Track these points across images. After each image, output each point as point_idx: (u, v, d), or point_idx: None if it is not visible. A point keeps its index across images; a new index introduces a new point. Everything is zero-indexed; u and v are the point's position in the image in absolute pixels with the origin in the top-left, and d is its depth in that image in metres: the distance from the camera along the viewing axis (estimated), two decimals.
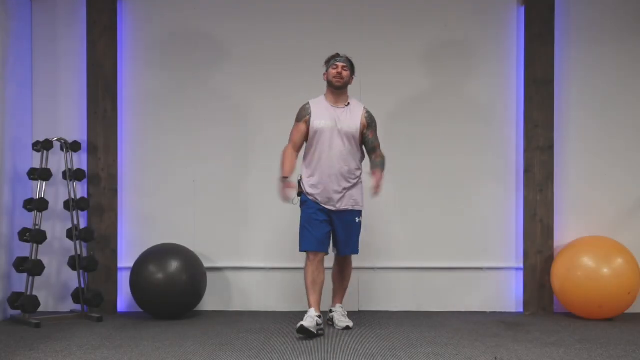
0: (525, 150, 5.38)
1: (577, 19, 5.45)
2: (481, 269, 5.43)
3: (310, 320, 4.37)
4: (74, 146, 5.25)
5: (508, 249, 5.45)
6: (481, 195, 5.45)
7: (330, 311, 4.81)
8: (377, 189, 4.51)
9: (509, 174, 5.46)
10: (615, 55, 5.46)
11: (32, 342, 4.23)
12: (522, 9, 5.41)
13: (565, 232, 5.40)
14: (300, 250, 4.61)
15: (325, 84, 4.68)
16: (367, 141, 4.67)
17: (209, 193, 5.45)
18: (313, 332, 4.31)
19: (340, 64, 4.60)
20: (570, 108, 5.45)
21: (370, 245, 5.34)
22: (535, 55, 5.37)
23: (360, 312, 5.33)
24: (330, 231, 4.63)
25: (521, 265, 5.39)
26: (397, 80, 5.45)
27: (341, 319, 4.70)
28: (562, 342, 4.27)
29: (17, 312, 5.03)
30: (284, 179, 4.52)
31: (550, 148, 5.37)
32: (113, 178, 5.35)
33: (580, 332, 4.62)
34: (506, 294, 5.44)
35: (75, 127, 5.39)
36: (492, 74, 5.46)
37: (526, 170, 5.38)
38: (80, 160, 5.38)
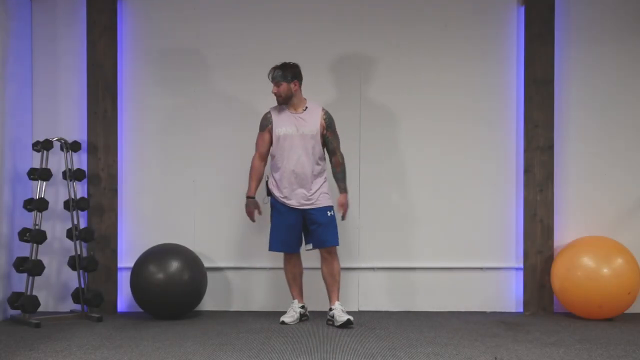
0: (525, 150, 5.38)
1: (577, 19, 5.45)
2: (481, 269, 5.43)
3: (292, 314, 4.85)
4: (74, 146, 5.25)
5: (508, 249, 5.45)
6: (481, 195, 5.44)
7: (330, 309, 4.82)
8: (344, 213, 4.88)
9: (509, 174, 5.45)
10: (615, 55, 5.46)
11: (32, 342, 4.23)
12: (522, 9, 5.41)
13: (565, 232, 5.40)
14: (269, 250, 4.91)
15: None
16: (327, 142, 4.87)
17: (209, 193, 5.45)
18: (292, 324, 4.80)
19: (273, 82, 4.81)
20: (570, 108, 5.45)
21: (370, 245, 5.34)
22: (535, 55, 5.37)
23: (360, 312, 5.33)
24: (299, 231, 4.86)
25: (521, 265, 5.39)
26: (397, 80, 5.45)
27: (341, 314, 4.73)
28: (562, 342, 4.27)
29: (17, 312, 5.02)
30: (250, 198, 4.92)
31: (550, 148, 5.37)
32: (113, 178, 5.35)
33: (580, 332, 4.62)
34: (506, 294, 5.44)
35: (75, 127, 5.39)
36: (492, 74, 5.46)
37: (526, 170, 5.38)
38: (80, 160, 5.38)
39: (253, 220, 4.96)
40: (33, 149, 5.23)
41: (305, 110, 4.83)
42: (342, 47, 5.31)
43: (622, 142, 5.46)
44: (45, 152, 5.11)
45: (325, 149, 4.89)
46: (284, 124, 4.80)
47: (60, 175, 5.26)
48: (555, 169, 5.38)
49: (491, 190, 5.45)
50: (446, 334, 4.49)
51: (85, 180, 5.33)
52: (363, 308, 5.42)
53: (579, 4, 5.45)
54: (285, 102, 4.81)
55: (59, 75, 5.43)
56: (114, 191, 5.36)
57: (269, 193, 4.88)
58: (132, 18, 5.45)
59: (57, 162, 5.28)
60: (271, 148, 4.86)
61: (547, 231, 5.35)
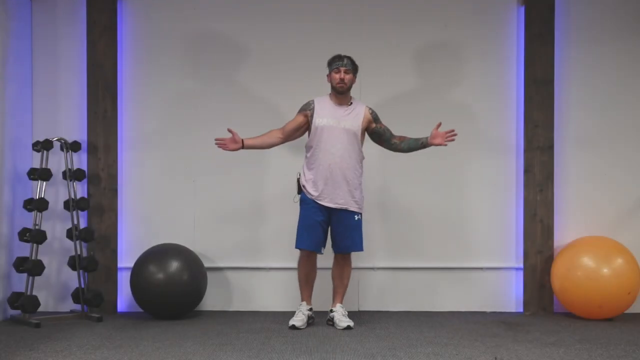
0: (525, 150, 5.38)
1: (577, 19, 5.45)
2: (481, 269, 5.43)
3: (301, 317, 4.68)
4: (74, 146, 5.25)
5: (508, 249, 5.45)
6: (481, 195, 5.45)
7: (331, 311, 4.81)
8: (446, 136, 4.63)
9: (509, 174, 5.46)
10: (615, 55, 5.46)
11: (32, 342, 4.23)
12: (522, 9, 5.41)
13: (565, 232, 5.40)
14: (296, 247, 4.74)
15: (329, 84, 4.74)
16: (381, 133, 4.78)
17: (209, 193, 5.45)
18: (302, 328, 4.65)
19: (342, 69, 4.66)
20: (570, 108, 5.45)
21: (370, 245, 5.34)
22: (535, 55, 5.37)
23: (360, 312, 5.33)
24: (326, 231, 4.72)
25: (521, 265, 5.39)
26: (397, 80, 5.45)
27: (342, 319, 4.70)
28: (562, 342, 4.27)
29: (17, 312, 5.03)
30: (241, 139, 4.64)
31: (550, 148, 5.37)
32: (113, 178, 5.36)
33: (580, 332, 4.62)
34: (506, 294, 5.44)
35: (75, 127, 5.39)
36: (492, 74, 5.46)
37: (526, 170, 5.38)
38: (80, 160, 5.38)
39: (215, 141, 4.65)
40: (33, 149, 5.23)
41: (349, 105, 4.72)
42: (342, 47, 5.28)
43: (622, 142, 5.46)
44: (45, 152, 5.11)
45: (382, 139, 4.77)
46: (325, 115, 4.66)
47: (60, 175, 5.26)
48: (555, 169, 5.39)
49: (491, 190, 5.45)
50: (446, 334, 4.49)
51: (85, 180, 5.33)
52: (363, 308, 5.42)
53: (579, 4, 5.46)
54: (345, 92, 4.67)
55: (59, 75, 5.43)
56: (114, 191, 5.36)
57: (300, 190, 4.73)
58: (132, 18, 5.45)
59: (57, 162, 5.28)
60: (308, 139, 4.72)
61: (547, 231, 5.35)
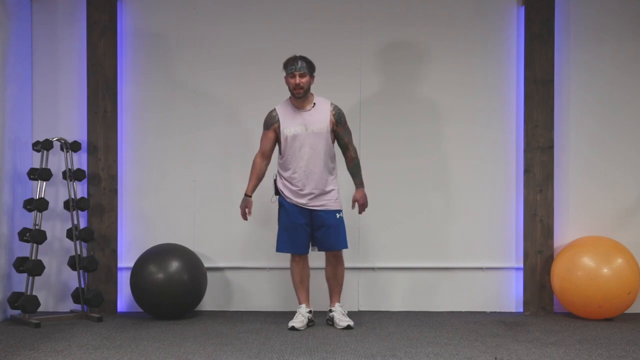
0: (525, 150, 5.38)
1: (577, 19, 5.45)
2: (481, 269, 5.43)
3: (300, 319, 4.66)
4: (74, 146, 5.25)
5: (508, 249, 5.45)
6: (481, 195, 5.44)
7: (330, 311, 4.81)
8: (361, 208, 4.79)
9: (509, 174, 5.45)
10: (615, 55, 5.45)
11: (32, 342, 4.23)
12: (522, 9, 5.41)
13: (565, 232, 5.40)
14: (277, 251, 4.79)
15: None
16: (338, 137, 4.74)
17: (209, 193, 5.45)
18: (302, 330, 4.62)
19: (297, 73, 4.58)
20: (570, 108, 5.45)
21: (370, 245, 5.34)
22: (535, 55, 5.36)
23: (360, 312, 5.33)
24: (309, 232, 4.72)
25: (521, 265, 5.39)
26: (397, 80, 5.45)
27: (341, 318, 4.70)
28: (562, 342, 4.27)
29: (17, 312, 5.03)
30: (246, 197, 4.77)
31: (550, 148, 5.37)
32: (113, 178, 5.35)
33: (580, 332, 4.62)
34: (506, 294, 5.44)
35: (75, 127, 5.39)
36: (492, 74, 5.46)
37: (526, 170, 5.38)
38: (80, 160, 5.38)
39: (245, 218, 4.82)
40: (33, 149, 5.23)
41: (313, 107, 4.67)
42: (342, 47, 5.29)
43: (622, 142, 5.46)
44: (45, 152, 5.11)
45: (338, 144, 4.76)
46: (292, 124, 4.64)
47: (60, 175, 5.26)
48: (555, 169, 5.38)
49: (491, 190, 5.45)
50: (446, 334, 4.49)
51: (85, 180, 5.33)
52: (363, 308, 5.42)
53: (579, 4, 5.45)
54: (303, 96, 4.62)
55: (59, 75, 5.43)
56: (114, 191, 5.36)
57: (277, 192, 4.76)
58: (132, 18, 5.45)
59: (57, 162, 5.28)
60: (280, 148, 4.72)
61: (547, 231, 5.35)
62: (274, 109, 4.74)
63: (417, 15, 5.47)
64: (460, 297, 5.42)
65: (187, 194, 5.45)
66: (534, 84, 5.37)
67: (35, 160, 5.31)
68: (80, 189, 5.34)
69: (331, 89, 5.35)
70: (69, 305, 5.31)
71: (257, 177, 4.78)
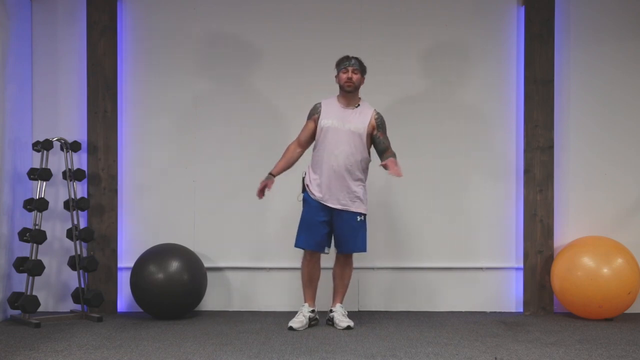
0: (525, 150, 5.38)
1: (577, 19, 5.45)
2: (481, 269, 5.43)
3: (300, 319, 4.65)
4: (74, 146, 5.25)
5: (508, 249, 5.45)
6: (481, 195, 5.45)
7: (331, 311, 4.81)
8: (395, 168, 4.43)
9: (509, 174, 5.46)
10: (615, 55, 5.46)
11: (32, 342, 4.23)
12: (522, 9, 5.41)
13: (565, 232, 5.40)
14: (295, 246, 4.72)
15: (336, 85, 4.73)
16: (377, 142, 4.71)
17: (209, 193, 5.45)
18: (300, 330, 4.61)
19: (350, 68, 4.65)
20: (570, 108, 5.45)
21: (370, 245, 5.32)
22: (535, 55, 5.37)
23: (360, 312, 5.33)
24: (329, 231, 4.70)
25: (521, 265, 5.39)
26: (397, 80, 5.45)
27: (342, 319, 4.70)
28: (562, 342, 4.27)
29: (17, 312, 5.03)
30: (270, 175, 4.69)
31: (550, 148, 5.37)
32: (113, 178, 5.35)
33: (580, 332, 4.62)
34: (506, 294, 5.44)
35: (75, 127, 5.39)
36: (492, 74, 5.46)
37: (526, 170, 5.38)
38: (80, 160, 5.38)
39: (259, 196, 4.68)
40: (33, 149, 5.23)
41: (357, 107, 4.70)
42: (342, 47, 5.28)
43: (622, 142, 5.46)
44: (45, 152, 5.11)
45: (376, 150, 4.71)
46: (331, 117, 4.64)
47: (60, 175, 5.26)
48: (555, 169, 5.39)
49: (491, 190, 5.45)
50: (446, 334, 4.49)
51: (85, 180, 5.33)
52: (363, 308, 5.42)
53: (579, 4, 5.46)
54: (353, 91, 4.65)
55: (59, 75, 5.43)
56: (114, 191, 5.35)
57: (304, 189, 4.73)
58: (132, 18, 5.45)
59: (57, 162, 5.28)
60: (315, 140, 4.71)
61: (547, 231, 5.35)
62: (320, 102, 4.75)
63: (417, 15, 5.48)
64: (460, 297, 5.42)
65: (187, 194, 5.45)
66: (534, 84, 5.37)
67: (35, 160, 5.31)
68: (80, 189, 5.34)
69: (331, 88, 5.35)
70: (69, 305, 5.31)
71: (286, 161, 4.74)
